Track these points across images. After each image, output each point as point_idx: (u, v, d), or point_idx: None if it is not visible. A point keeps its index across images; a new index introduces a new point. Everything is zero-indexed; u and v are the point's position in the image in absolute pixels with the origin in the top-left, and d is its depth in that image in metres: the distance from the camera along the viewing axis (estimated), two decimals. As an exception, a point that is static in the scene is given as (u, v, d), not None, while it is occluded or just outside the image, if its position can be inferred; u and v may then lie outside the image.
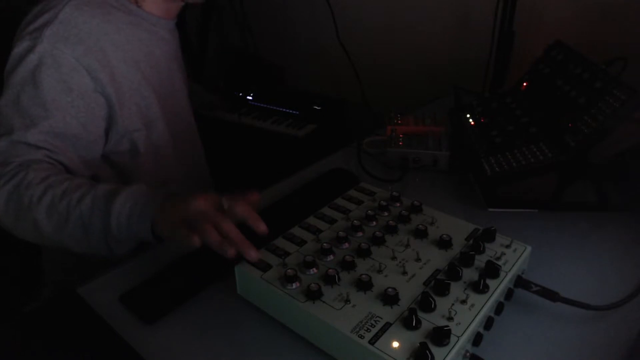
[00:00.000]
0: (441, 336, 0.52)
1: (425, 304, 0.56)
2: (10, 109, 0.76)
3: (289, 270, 0.60)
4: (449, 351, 0.51)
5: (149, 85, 0.90)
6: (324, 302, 0.57)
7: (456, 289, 0.59)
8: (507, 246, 0.67)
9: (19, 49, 0.77)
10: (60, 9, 0.78)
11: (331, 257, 0.64)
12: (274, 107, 1.77)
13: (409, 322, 0.54)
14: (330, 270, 0.60)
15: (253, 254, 0.61)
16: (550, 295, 0.64)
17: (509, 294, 0.64)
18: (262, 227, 0.63)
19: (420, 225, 0.69)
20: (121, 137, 0.87)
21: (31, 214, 0.70)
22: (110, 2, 0.85)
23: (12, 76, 0.77)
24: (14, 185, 0.72)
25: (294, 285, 0.59)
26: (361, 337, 0.53)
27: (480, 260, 0.64)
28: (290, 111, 1.74)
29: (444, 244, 0.67)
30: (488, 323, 0.58)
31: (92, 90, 0.80)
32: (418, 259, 0.64)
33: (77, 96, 0.79)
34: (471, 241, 0.68)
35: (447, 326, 0.52)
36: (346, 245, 0.67)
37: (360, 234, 0.69)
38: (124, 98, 0.85)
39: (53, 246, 0.75)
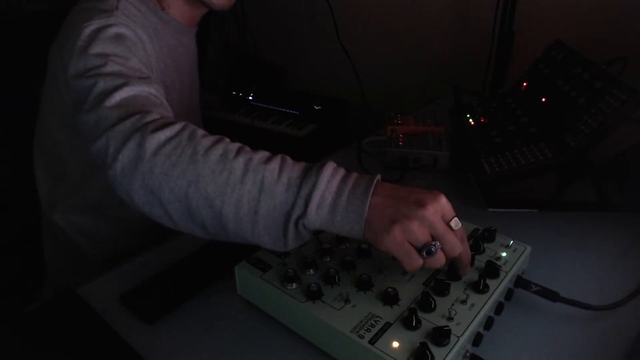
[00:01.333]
0: (441, 336, 0.52)
1: (425, 304, 0.56)
2: (110, 72, 0.66)
3: (289, 270, 0.60)
4: (449, 351, 0.51)
5: (173, 90, 0.91)
6: (324, 302, 0.57)
7: (456, 289, 0.59)
8: (507, 246, 0.67)
9: (91, 27, 0.71)
10: (117, 3, 0.78)
11: (331, 257, 0.64)
12: (274, 107, 1.77)
13: (409, 322, 0.54)
14: (330, 270, 0.60)
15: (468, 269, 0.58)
16: (550, 295, 0.64)
17: (509, 294, 0.64)
18: (467, 271, 0.58)
19: (420, 225, 0.69)
20: None
21: (193, 167, 0.54)
22: (145, 7, 0.86)
23: (90, 49, 0.68)
24: (170, 135, 0.56)
25: (294, 285, 0.59)
26: (361, 337, 0.53)
27: (480, 261, 0.64)
28: (290, 111, 1.74)
29: (444, 244, 0.67)
30: (488, 323, 0.58)
31: (155, 69, 0.81)
32: (418, 259, 0.64)
33: (150, 67, 0.79)
34: (471, 241, 0.68)
35: (447, 326, 0.52)
36: (346, 245, 0.67)
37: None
38: None
39: (200, 221, 0.55)
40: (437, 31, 1.58)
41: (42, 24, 0.86)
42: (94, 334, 0.63)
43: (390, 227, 0.51)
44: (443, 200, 0.53)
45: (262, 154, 0.56)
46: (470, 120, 1.07)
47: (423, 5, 1.57)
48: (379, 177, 0.54)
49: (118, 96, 0.62)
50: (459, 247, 0.53)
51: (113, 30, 0.72)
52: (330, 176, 0.53)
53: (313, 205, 0.52)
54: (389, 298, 0.57)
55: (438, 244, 0.52)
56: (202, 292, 0.68)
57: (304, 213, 0.52)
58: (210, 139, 0.56)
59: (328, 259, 0.64)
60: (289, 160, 0.56)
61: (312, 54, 1.94)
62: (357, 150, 1.06)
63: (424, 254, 0.51)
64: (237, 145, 0.57)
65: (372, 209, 0.52)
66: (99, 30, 0.71)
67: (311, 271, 0.62)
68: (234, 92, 1.83)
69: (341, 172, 0.54)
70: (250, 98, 1.81)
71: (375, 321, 0.55)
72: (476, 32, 1.37)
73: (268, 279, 0.61)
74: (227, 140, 0.58)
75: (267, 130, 1.68)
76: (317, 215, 0.52)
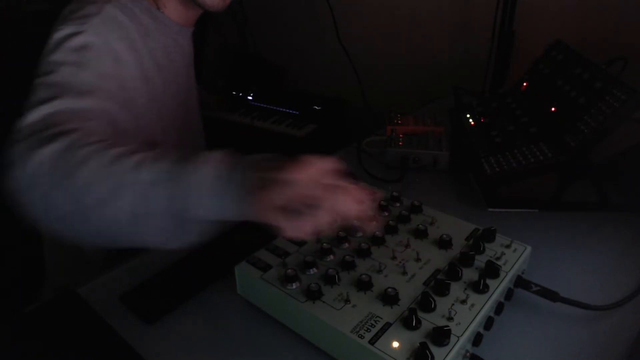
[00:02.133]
0: (441, 336, 0.52)
1: (425, 304, 0.56)
2: (56, 83, 0.67)
3: (289, 270, 0.60)
4: (449, 351, 0.51)
5: (169, 92, 0.91)
6: (324, 302, 0.57)
7: (456, 289, 0.59)
8: (507, 246, 0.67)
9: (62, 32, 0.73)
10: (103, 6, 0.78)
11: (331, 257, 0.64)
12: (274, 107, 1.77)
13: (409, 322, 0.54)
14: (330, 270, 0.60)
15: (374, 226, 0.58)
16: (550, 295, 0.64)
17: (509, 294, 0.64)
18: (374, 225, 0.60)
19: (420, 225, 0.69)
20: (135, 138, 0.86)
21: (80, 173, 0.54)
22: (138, 6, 0.85)
23: (51, 55, 0.71)
24: (67, 145, 0.57)
25: (294, 285, 0.59)
26: (361, 337, 0.53)
27: (480, 260, 0.64)
28: (290, 111, 1.74)
29: (444, 244, 0.67)
30: (488, 323, 0.58)
31: (129, 79, 0.79)
32: (418, 259, 0.64)
33: (116, 78, 0.76)
34: (471, 241, 0.68)
35: (447, 326, 0.52)
36: (346, 245, 0.67)
37: (360, 234, 0.69)
38: (147, 100, 0.85)
39: (85, 233, 0.57)
40: (437, 31, 1.58)
41: (42, 24, 0.86)
42: (94, 334, 0.63)
43: (260, 195, 0.49)
44: (314, 167, 0.51)
45: (150, 153, 0.55)
46: (470, 120, 1.07)
47: (423, 5, 1.57)
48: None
49: (41, 111, 0.63)
50: (343, 203, 0.50)
51: (80, 39, 0.73)
52: (203, 163, 0.52)
53: (196, 198, 0.51)
54: (389, 298, 0.57)
55: (316, 203, 0.49)
56: (202, 292, 0.68)
57: (188, 206, 0.51)
58: (92, 148, 0.56)
59: (328, 259, 0.64)
60: (164, 154, 0.55)
61: (312, 54, 1.94)
62: (357, 150, 1.06)
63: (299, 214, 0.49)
64: (128, 147, 0.56)
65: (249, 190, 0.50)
66: (66, 38, 0.72)
67: (311, 271, 0.62)
68: (233, 92, 1.83)
69: (216, 162, 0.53)
70: (250, 98, 1.81)
71: (375, 321, 0.55)
72: (476, 32, 1.37)
73: (268, 279, 0.61)
74: (106, 144, 0.57)
75: (267, 130, 1.68)
76: (202, 206, 0.51)
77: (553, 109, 0.92)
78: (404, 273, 0.62)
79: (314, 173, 0.51)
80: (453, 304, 0.57)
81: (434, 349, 0.50)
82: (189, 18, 0.95)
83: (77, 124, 0.62)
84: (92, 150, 0.55)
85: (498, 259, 0.64)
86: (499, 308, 0.61)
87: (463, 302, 0.57)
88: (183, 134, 0.97)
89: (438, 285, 0.59)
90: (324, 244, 0.65)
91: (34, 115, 0.62)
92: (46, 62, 0.70)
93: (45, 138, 0.57)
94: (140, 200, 0.52)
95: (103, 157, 0.55)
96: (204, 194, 0.51)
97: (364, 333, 0.53)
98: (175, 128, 0.93)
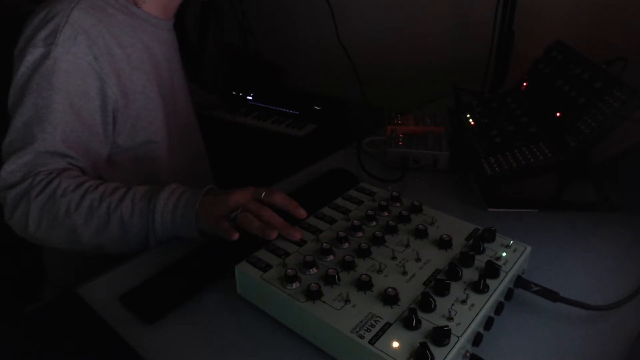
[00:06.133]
0: (441, 336, 0.52)
1: (425, 304, 0.56)
2: (29, 118, 0.76)
3: (289, 270, 0.60)
4: (449, 351, 0.51)
5: (153, 86, 0.90)
6: (324, 302, 0.57)
7: (456, 289, 0.59)
8: (507, 246, 0.67)
9: (32, 56, 0.77)
10: (69, 12, 0.78)
11: (331, 257, 0.64)
12: (274, 107, 1.77)
13: (409, 322, 0.54)
14: (330, 270, 0.60)
15: (297, 234, 0.67)
16: (550, 295, 0.64)
17: (509, 294, 0.64)
18: (303, 213, 0.71)
19: (420, 225, 0.69)
20: (125, 137, 0.87)
21: (69, 220, 0.73)
22: (111, 4, 0.85)
23: (28, 85, 0.77)
24: (49, 194, 0.73)
25: (294, 285, 0.59)
26: (361, 337, 0.53)
27: (480, 261, 0.64)
28: (290, 111, 1.74)
29: (444, 244, 0.67)
30: (488, 323, 0.58)
31: (103, 94, 0.81)
32: (418, 259, 0.64)
33: (89, 100, 0.80)
34: (471, 241, 0.68)
35: (447, 326, 0.52)
36: (346, 245, 0.67)
37: (360, 234, 0.69)
38: (129, 100, 0.85)
39: (87, 250, 0.76)
40: (437, 31, 1.57)
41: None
42: (94, 334, 0.63)
43: (206, 210, 0.71)
44: (248, 188, 0.73)
45: (117, 194, 0.74)
46: (470, 120, 1.07)
47: (423, 5, 1.57)
48: (203, 191, 0.73)
49: (17, 160, 0.75)
50: (260, 207, 0.69)
51: (49, 64, 0.76)
52: (166, 199, 0.73)
53: (158, 224, 0.73)
54: (389, 298, 0.57)
55: (240, 209, 0.69)
56: (202, 292, 0.68)
57: (155, 231, 0.73)
58: (77, 193, 0.73)
59: (328, 259, 0.64)
60: (137, 194, 0.74)
61: (312, 54, 1.94)
62: (357, 150, 1.06)
63: (231, 218, 0.69)
64: (100, 191, 0.74)
65: (200, 212, 0.71)
66: (37, 63, 0.77)
67: (311, 271, 0.62)
68: (233, 92, 1.83)
69: (175, 193, 0.74)
70: (250, 98, 1.81)
71: (375, 321, 0.55)
72: (476, 32, 1.37)
73: (268, 279, 0.61)
74: (89, 185, 0.75)
75: (267, 130, 1.68)
76: (162, 229, 0.73)
77: (553, 109, 0.92)
78: (404, 273, 0.62)
79: (241, 193, 0.71)
80: (453, 304, 0.57)
81: (434, 349, 0.51)
82: (168, 10, 0.95)
83: (51, 167, 0.76)
84: (70, 200, 0.73)
85: (498, 259, 0.64)
86: (499, 308, 0.61)
87: (463, 302, 0.57)
88: (174, 124, 0.97)
89: (438, 285, 0.59)
90: (324, 244, 0.65)
91: (12, 166, 0.75)
92: (19, 89, 0.78)
93: (24, 192, 0.74)
94: (122, 230, 0.73)
95: (92, 197, 0.73)
96: (166, 222, 0.73)
97: (364, 333, 0.53)
98: (163, 119, 0.93)
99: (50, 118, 0.76)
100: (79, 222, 0.73)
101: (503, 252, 0.66)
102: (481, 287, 0.59)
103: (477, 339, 0.56)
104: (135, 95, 0.86)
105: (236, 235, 0.66)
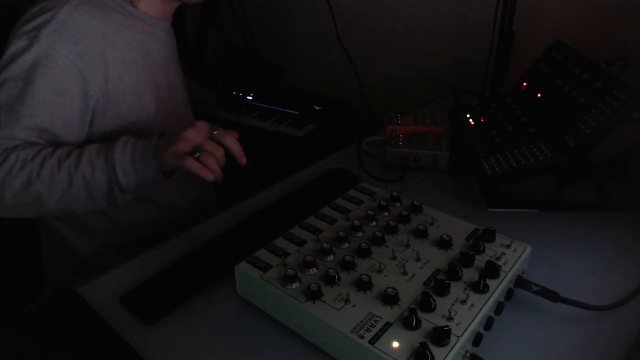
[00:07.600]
0: (441, 336, 0.52)
1: (425, 304, 0.56)
2: (1, 105, 0.76)
3: (289, 270, 0.60)
4: (449, 351, 0.51)
5: (147, 86, 0.90)
6: (324, 302, 0.57)
7: (456, 289, 0.59)
8: (507, 246, 0.67)
9: (15, 47, 0.77)
10: (59, 9, 0.78)
11: (331, 257, 0.64)
12: (274, 107, 1.77)
13: (409, 322, 0.54)
14: (330, 270, 0.60)
15: (244, 159, 0.77)
16: (550, 295, 0.64)
17: (509, 294, 0.64)
18: (244, 160, 0.77)
19: (420, 225, 0.69)
20: (111, 134, 0.86)
21: (32, 189, 0.74)
22: (108, 3, 0.85)
23: (4, 72, 0.77)
24: (7, 169, 0.74)
25: (294, 285, 0.59)
26: (361, 337, 0.53)
27: (480, 260, 0.64)
28: (290, 111, 1.74)
29: (444, 244, 0.67)
30: (488, 323, 0.58)
31: (83, 94, 0.80)
32: (418, 259, 0.64)
33: (67, 98, 0.79)
34: (471, 241, 0.68)
35: (447, 326, 0.52)
36: (346, 245, 0.67)
37: (360, 234, 0.69)
38: (118, 100, 0.85)
39: (53, 214, 0.80)
40: (437, 31, 1.57)
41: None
42: (94, 334, 0.63)
43: (166, 150, 0.74)
44: (200, 124, 0.77)
45: (73, 155, 0.76)
46: (470, 120, 1.07)
47: (423, 5, 1.57)
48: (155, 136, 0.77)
49: None
50: (216, 147, 0.75)
51: (29, 57, 0.76)
52: (122, 150, 0.76)
53: (120, 175, 0.75)
54: (389, 298, 0.57)
55: (201, 148, 0.74)
56: (202, 292, 0.68)
57: (118, 182, 0.76)
58: (36, 162, 0.75)
59: (328, 259, 0.64)
60: (92, 152, 0.77)
61: (312, 54, 1.94)
62: (357, 150, 1.06)
63: (195, 156, 0.73)
64: (57, 155, 0.76)
65: (158, 154, 0.75)
66: (18, 54, 0.77)
67: (311, 271, 0.62)
68: (233, 92, 1.83)
69: (129, 143, 0.77)
70: (250, 98, 1.81)
71: (375, 321, 0.55)
72: (476, 32, 1.37)
73: (268, 279, 0.61)
74: (46, 152, 0.76)
75: (267, 130, 1.68)
76: (126, 179, 0.76)
77: (553, 109, 0.92)
78: (404, 273, 0.62)
79: (196, 130, 0.75)
80: (453, 304, 0.57)
81: (434, 349, 0.51)
82: (166, 11, 0.94)
83: (17, 142, 0.76)
84: (31, 170, 0.74)
85: (498, 259, 0.64)
86: (499, 308, 0.61)
87: (463, 302, 0.57)
88: (171, 123, 0.96)
89: (438, 285, 0.59)
90: (324, 244, 0.65)
91: None
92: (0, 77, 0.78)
93: None
94: (86, 189, 0.76)
95: (51, 164, 0.75)
96: (127, 171, 0.75)
97: (364, 333, 0.53)
98: (158, 118, 0.92)
99: (18, 108, 0.76)
100: (42, 189, 0.74)
101: (503, 252, 0.66)
102: (481, 287, 0.59)
103: (477, 339, 0.56)
104: (125, 95, 0.86)
105: (211, 176, 0.72)
